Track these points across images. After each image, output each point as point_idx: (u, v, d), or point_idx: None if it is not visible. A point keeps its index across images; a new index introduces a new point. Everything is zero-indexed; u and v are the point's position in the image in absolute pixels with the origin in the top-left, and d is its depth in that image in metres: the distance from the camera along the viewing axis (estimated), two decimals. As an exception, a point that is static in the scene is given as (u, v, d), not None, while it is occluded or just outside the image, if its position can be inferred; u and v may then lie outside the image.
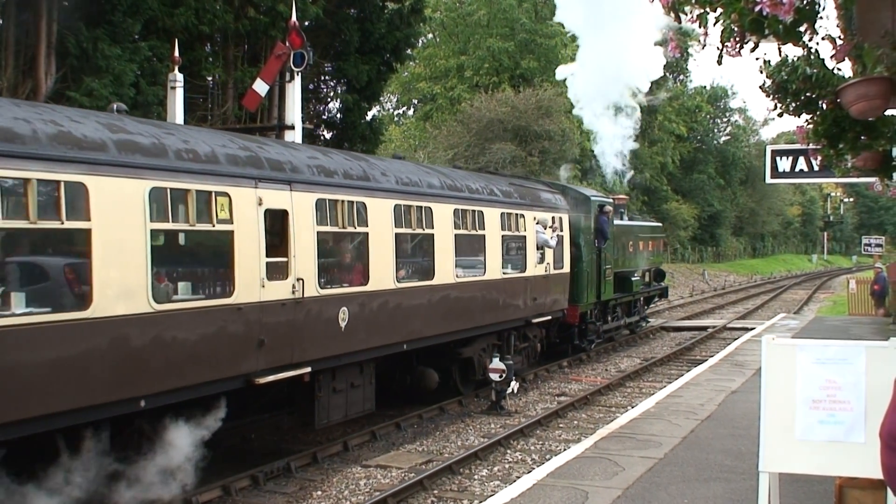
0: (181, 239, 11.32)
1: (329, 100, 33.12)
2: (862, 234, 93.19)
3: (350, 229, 13.90)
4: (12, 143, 8.59)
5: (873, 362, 6.50)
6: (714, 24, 6.16)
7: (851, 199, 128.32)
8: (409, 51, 36.18)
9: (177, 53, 18.15)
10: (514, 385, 18.13)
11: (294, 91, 18.79)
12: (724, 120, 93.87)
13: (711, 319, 37.61)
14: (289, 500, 12.24)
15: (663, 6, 6.24)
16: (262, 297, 11.79)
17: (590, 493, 9.86)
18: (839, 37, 8.18)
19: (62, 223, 9.06)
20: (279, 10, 25.15)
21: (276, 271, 12.12)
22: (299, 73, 18.81)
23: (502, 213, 19.10)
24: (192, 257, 11.77)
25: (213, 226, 11.05)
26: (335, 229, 13.56)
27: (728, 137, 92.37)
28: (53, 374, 8.91)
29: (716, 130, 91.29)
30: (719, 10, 6.07)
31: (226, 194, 11.18)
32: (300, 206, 12.66)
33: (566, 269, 22.70)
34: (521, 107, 44.22)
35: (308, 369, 12.82)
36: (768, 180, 20.66)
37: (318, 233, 13.02)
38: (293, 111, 18.68)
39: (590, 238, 24.49)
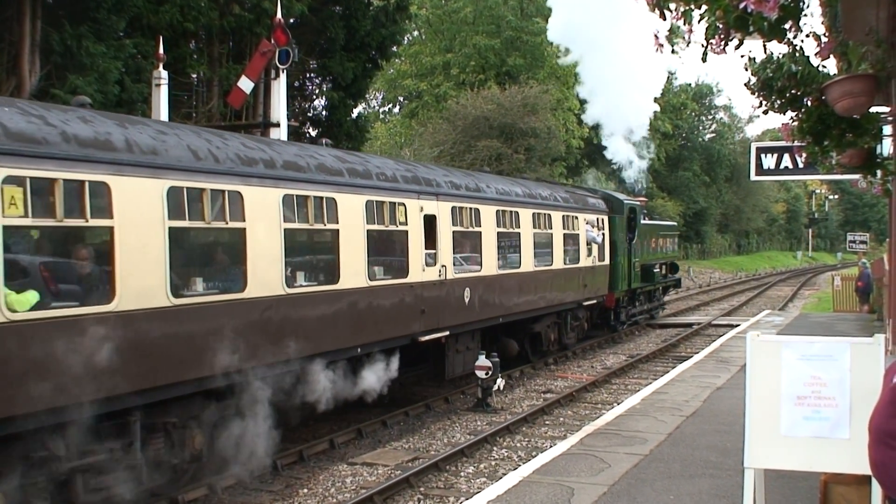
0: (380, 236, 15.25)
1: (314, 97, 33.12)
2: (847, 230, 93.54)
3: (471, 229, 18.36)
4: (299, 171, 13.10)
5: (858, 359, 6.52)
6: (699, 21, 6.16)
7: (836, 196, 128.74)
8: (394, 48, 36.19)
9: (161, 51, 18.10)
10: (500, 382, 18.14)
11: (279, 88, 18.77)
12: (710, 117, 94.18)
13: (696, 316, 37.67)
14: (275, 498, 12.21)
15: (648, 3, 6.25)
16: (423, 278, 16.32)
17: (576, 490, 9.87)
18: (824, 34, 8.21)
19: (325, 225, 13.54)
20: (264, 7, 25.11)
21: (430, 259, 16.64)
22: (284, 71, 18.78)
23: (563, 216, 23.46)
24: (385, 248, 15.72)
25: (398, 227, 15.58)
26: (462, 229, 17.97)
27: (713, 135, 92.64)
28: (321, 325, 13.33)
29: (701, 128, 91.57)
30: (704, 7, 6.07)
31: (403, 204, 15.76)
32: (443, 212, 17.17)
33: (606, 261, 27.18)
34: (507, 104, 44.26)
35: (447, 332, 17.17)
36: (753, 177, 20.72)
37: (453, 232, 17.51)
38: (278, 108, 18.67)
39: (623, 235, 28.71)
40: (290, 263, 12.73)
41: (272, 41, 18.73)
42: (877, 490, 6.34)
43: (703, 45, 6.36)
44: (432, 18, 55.86)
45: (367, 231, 14.53)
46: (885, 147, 11.77)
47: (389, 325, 15.29)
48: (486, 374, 17.54)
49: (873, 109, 9.21)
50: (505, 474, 11.93)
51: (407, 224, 15.82)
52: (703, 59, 6.55)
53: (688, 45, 6.34)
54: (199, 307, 11.01)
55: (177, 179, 10.65)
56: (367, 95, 47.32)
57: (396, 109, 61.08)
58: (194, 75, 26.70)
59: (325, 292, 13.55)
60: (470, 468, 13.59)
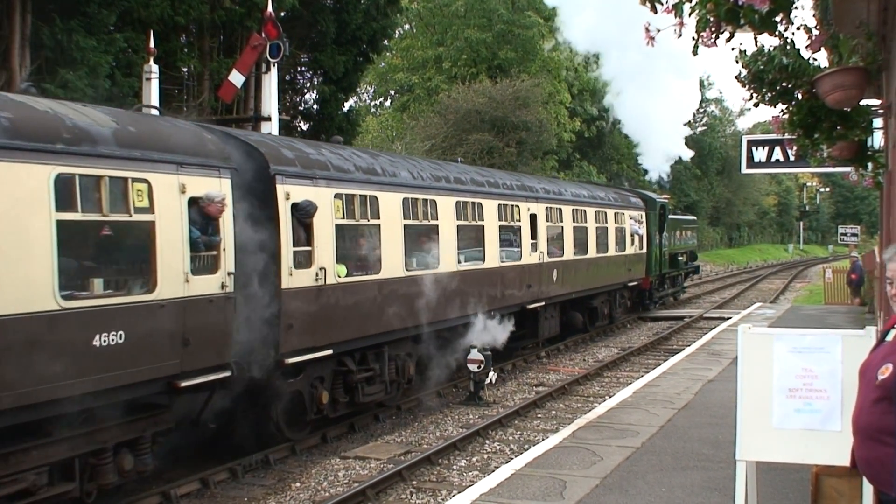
0: (504, 230, 20.62)
1: (305, 91, 33.02)
2: (838, 223, 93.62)
3: (557, 224, 23.91)
4: (463, 185, 18.82)
5: (849, 351, 6.51)
6: (690, 14, 6.15)
7: (827, 189, 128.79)
8: (385, 42, 36.08)
9: (152, 44, 18.05)
10: (493, 375, 18.15)
11: (270, 82, 18.73)
12: (700, 110, 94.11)
13: (688, 309, 37.74)
14: (267, 492, 12.21)
15: (639, -4, 6.23)
16: (529, 262, 21.75)
17: (568, 483, 9.89)
18: (815, 27, 8.20)
19: (476, 222, 19.11)
20: (255, 0, 25.01)
21: (533, 247, 22.05)
22: (275, 65, 18.74)
23: (614, 213, 29.21)
24: (507, 239, 20.93)
25: (514, 223, 21.16)
26: (552, 224, 23.51)
27: (704, 128, 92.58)
28: (475, 292, 18.57)
29: (692, 121, 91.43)
30: (695, 0, 6.06)
31: (517, 206, 21.32)
32: (540, 212, 22.63)
33: (644, 250, 32.58)
34: (499, 97, 44.24)
35: (543, 303, 22.76)
36: (744, 170, 20.70)
37: (546, 226, 22.94)
38: (269, 102, 18.63)
39: (655, 228, 34.07)
40: (459, 249, 18.15)
41: (263, 35, 18.69)
42: (868, 484, 6.35)
43: (693, 38, 6.35)
44: (423, 12, 55.69)
45: (500, 226, 20.17)
46: (876, 139, 11.79)
47: (509, 295, 20.64)
48: (479, 367, 17.54)
49: (864, 102, 9.23)
50: (497, 467, 11.93)
51: (520, 221, 21.38)
52: (694, 53, 6.53)
53: (679, 38, 6.33)
54: (416, 277, 16.34)
55: (405, 193, 16.19)
56: (358, 89, 47.20)
57: (388, 103, 60.91)
58: (185, 69, 26.55)
59: (477, 270, 18.99)
60: (462, 461, 13.60)
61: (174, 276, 10.55)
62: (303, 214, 13.13)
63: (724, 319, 30.03)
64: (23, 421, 9.13)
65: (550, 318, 23.99)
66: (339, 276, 13.99)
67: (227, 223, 11.47)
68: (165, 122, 12.08)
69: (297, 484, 12.55)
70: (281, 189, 12.84)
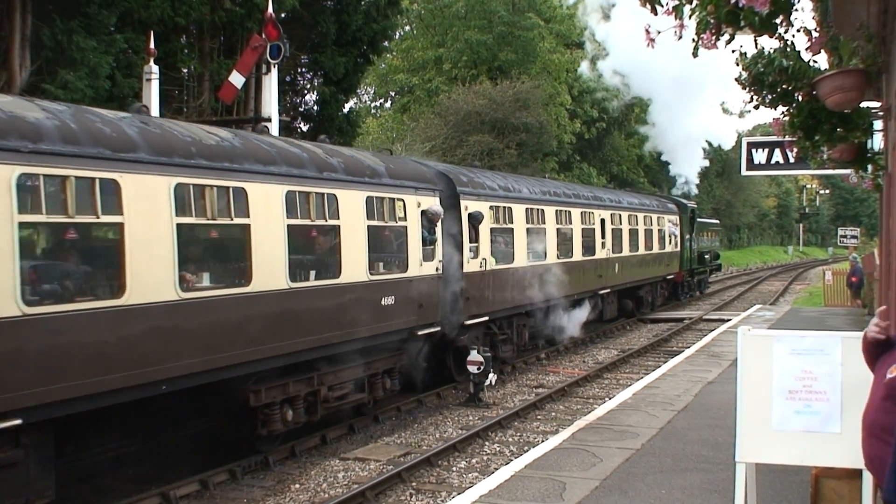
0: (584, 231, 26.07)
1: (306, 92, 32.99)
2: (838, 225, 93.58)
3: (618, 226, 29.74)
4: (560, 197, 24.85)
5: (849, 353, 6.51)
6: (690, 16, 6.14)
7: (827, 191, 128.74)
8: (386, 43, 36.06)
9: (152, 45, 18.02)
10: (492, 377, 18.14)
11: (270, 83, 18.70)
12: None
13: (688, 311, 37.70)
14: (267, 494, 12.21)
15: (639, -2, 6.23)
16: (600, 256, 27.41)
17: (567, 485, 9.88)
18: (815, 29, 8.21)
19: (568, 225, 24.72)
20: (255, 1, 24.98)
21: (602, 245, 27.50)
22: (276, 66, 18.71)
23: (657, 217, 34.95)
24: (586, 238, 26.30)
25: (591, 225, 26.83)
26: (614, 226, 29.16)
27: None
28: (567, 280, 23.98)
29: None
30: (695, 2, 6.05)
31: (592, 213, 26.78)
32: (607, 217, 28.25)
33: (678, 248, 38.22)
34: (499, 99, 44.21)
35: (608, 290, 28.59)
36: (744, 172, 20.65)
37: (612, 229, 28.55)
38: (270, 103, 18.59)
39: (686, 230, 39.32)
40: (557, 246, 23.64)
41: (263, 36, 18.66)
42: (868, 484, 6.35)
43: (693, 41, 6.35)
44: (424, 13, 55.62)
45: (581, 229, 25.69)
46: (876, 142, 11.79)
47: (587, 283, 26.10)
48: (479, 368, 17.53)
49: (864, 104, 9.23)
50: (497, 469, 11.94)
51: (594, 224, 26.98)
52: (695, 55, 6.53)
53: (679, 40, 6.32)
54: (533, 267, 21.82)
55: (527, 204, 22.15)
56: (358, 90, 47.15)
57: (388, 104, 60.84)
58: (185, 70, 26.55)
59: (569, 262, 24.30)
60: (462, 463, 13.60)
61: (415, 262, 16.41)
62: (475, 221, 18.88)
63: (724, 321, 30.01)
64: (344, 351, 14.28)
65: (611, 303, 29.73)
66: (493, 265, 19.73)
67: (439, 227, 17.35)
68: (400, 160, 18.82)
69: (297, 485, 12.55)
70: (463, 203, 18.70)
